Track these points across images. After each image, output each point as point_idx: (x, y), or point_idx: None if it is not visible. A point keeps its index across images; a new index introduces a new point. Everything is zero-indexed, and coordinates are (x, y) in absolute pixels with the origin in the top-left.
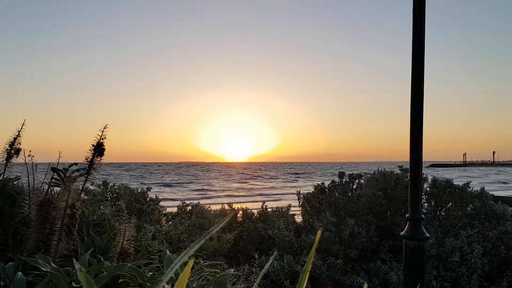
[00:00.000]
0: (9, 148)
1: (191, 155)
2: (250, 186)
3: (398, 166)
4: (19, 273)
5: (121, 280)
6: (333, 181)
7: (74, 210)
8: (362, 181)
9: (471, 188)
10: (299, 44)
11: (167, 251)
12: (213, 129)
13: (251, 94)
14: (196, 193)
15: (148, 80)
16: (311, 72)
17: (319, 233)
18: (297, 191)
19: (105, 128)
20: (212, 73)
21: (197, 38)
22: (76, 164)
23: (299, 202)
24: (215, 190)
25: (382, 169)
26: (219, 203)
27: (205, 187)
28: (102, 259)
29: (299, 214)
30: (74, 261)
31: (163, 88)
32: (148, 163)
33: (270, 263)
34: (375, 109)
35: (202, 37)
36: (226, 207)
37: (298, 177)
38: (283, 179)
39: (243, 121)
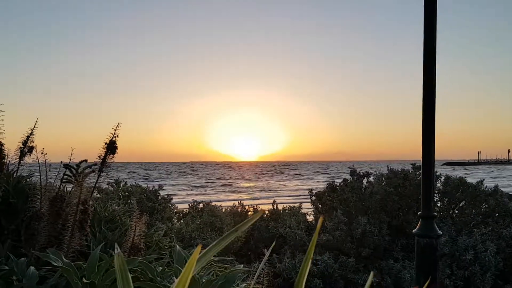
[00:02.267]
0: (22, 146)
1: (202, 154)
2: (260, 184)
3: (411, 164)
4: (32, 268)
5: (132, 274)
6: (345, 179)
7: (86, 206)
8: (372, 179)
9: (484, 186)
10: (309, 42)
11: (177, 246)
12: (223, 128)
13: (261, 93)
14: (206, 190)
15: (159, 80)
16: (321, 70)
17: (320, 220)
18: (309, 190)
19: (117, 126)
20: (222, 74)
21: (209, 37)
22: (86, 160)
23: (311, 200)
24: (225, 187)
25: (391, 168)
26: (229, 200)
27: (215, 184)
28: (113, 253)
29: (310, 213)
30: (116, 246)
31: (173, 88)
32: (158, 163)
33: (267, 256)
34: (387, 107)
35: (214, 37)
36: (237, 205)
37: (309, 175)
38: (293, 177)
39: (253, 120)
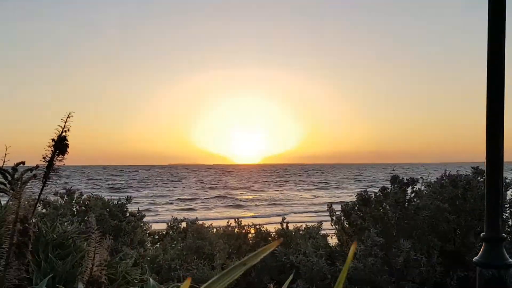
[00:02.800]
0: None
1: (186, 155)
2: (264, 196)
3: (472, 168)
4: None
5: None
6: (382, 188)
7: (26, 225)
8: (422, 187)
9: None
10: (339, 14)
11: (150, 280)
12: (216, 120)
13: (268, 73)
14: (192, 204)
15: (128, 56)
16: (352, 45)
17: (353, 245)
18: (328, 204)
19: (68, 117)
20: (214, 47)
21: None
22: (23, 163)
23: (332, 218)
24: (219, 200)
25: (449, 172)
26: (223, 218)
27: (205, 196)
28: None
29: (333, 235)
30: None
31: (147, 67)
32: (127, 166)
33: None
34: (438, 94)
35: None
36: (233, 224)
37: (334, 182)
38: (312, 185)
39: (257, 110)
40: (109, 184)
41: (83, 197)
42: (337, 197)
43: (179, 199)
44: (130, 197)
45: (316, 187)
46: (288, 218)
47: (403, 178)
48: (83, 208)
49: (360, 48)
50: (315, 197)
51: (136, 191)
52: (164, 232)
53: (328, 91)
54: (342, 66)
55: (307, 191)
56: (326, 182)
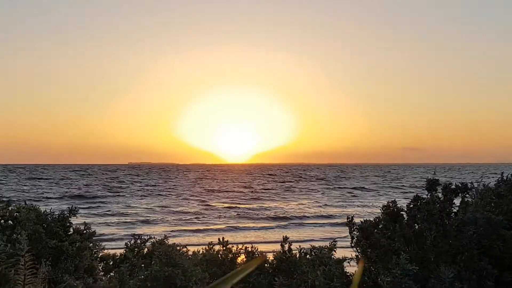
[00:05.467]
0: None
1: (151, 152)
2: (255, 206)
3: None
4: None
5: None
6: (416, 198)
7: None
8: (469, 198)
9: None
10: None
11: None
12: (192, 110)
13: (261, 55)
14: (163, 217)
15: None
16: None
17: (360, 263)
18: (348, 217)
19: None
20: (197, 25)
21: None
22: None
23: (352, 236)
24: (195, 212)
25: (508, 176)
26: (201, 236)
27: (177, 207)
28: None
29: (351, 259)
30: None
31: (103, 42)
32: (73, 166)
33: None
34: (488, 83)
35: None
36: (218, 247)
37: (354, 187)
38: (316, 192)
39: (246, 99)
40: (45, 189)
41: (10, 207)
42: (357, 207)
43: (140, 209)
44: (75, 208)
45: (326, 192)
46: (291, 235)
47: (447, 183)
48: (10, 222)
49: (361, 43)
50: (324, 207)
51: (83, 200)
52: (121, 256)
53: (340, 75)
54: (345, 61)
55: (315, 199)
56: (342, 186)
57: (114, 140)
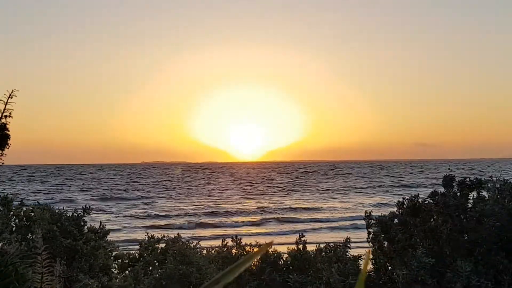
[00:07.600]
0: None
1: (164, 151)
2: (271, 204)
3: None
4: None
5: None
6: (433, 193)
7: None
8: (485, 193)
9: None
10: None
11: None
12: (203, 108)
13: (270, 53)
14: (173, 214)
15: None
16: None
17: (368, 252)
18: (366, 212)
19: (10, 96)
20: (205, 23)
21: None
22: None
23: (369, 231)
24: (208, 211)
25: None
26: (216, 236)
27: (189, 205)
28: None
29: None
30: None
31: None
32: (85, 165)
33: None
34: (505, 76)
35: None
36: (231, 243)
37: (366, 183)
38: (337, 186)
39: (258, 95)
40: (59, 189)
41: (24, 207)
42: (370, 203)
43: (154, 208)
44: (89, 206)
45: (341, 189)
46: (303, 232)
47: (463, 179)
48: (25, 222)
49: (371, 39)
50: (341, 203)
51: (97, 199)
52: (136, 255)
53: (352, 70)
54: (356, 57)
55: (330, 197)
56: (354, 184)
57: (125, 140)
